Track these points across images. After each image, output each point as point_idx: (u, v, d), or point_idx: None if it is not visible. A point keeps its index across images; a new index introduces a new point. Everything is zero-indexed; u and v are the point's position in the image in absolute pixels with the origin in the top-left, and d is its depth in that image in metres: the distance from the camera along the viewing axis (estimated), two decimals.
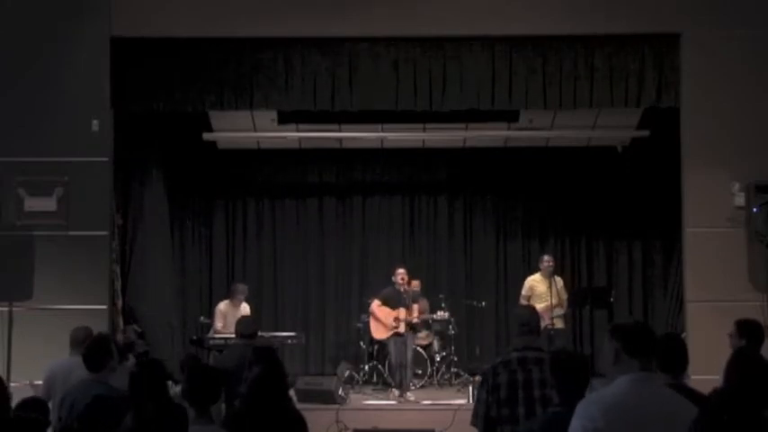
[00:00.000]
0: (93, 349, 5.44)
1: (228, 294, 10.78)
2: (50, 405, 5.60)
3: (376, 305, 10.42)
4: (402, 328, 10.11)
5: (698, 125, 8.68)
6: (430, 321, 11.09)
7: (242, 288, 10.61)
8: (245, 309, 10.36)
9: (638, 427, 3.14)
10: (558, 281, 10.50)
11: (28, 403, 4.89)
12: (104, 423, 4.51)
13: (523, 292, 10.43)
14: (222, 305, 10.55)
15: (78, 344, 6.18)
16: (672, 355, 4.45)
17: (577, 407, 3.29)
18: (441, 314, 10.92)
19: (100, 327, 8.07)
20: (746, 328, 5.69)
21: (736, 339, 5.67)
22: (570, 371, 3.97)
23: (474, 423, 4.62)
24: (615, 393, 3.24)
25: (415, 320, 10.45)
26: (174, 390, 6.00)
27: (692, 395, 4.37)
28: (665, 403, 3.23)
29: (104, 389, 5.06)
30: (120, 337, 8.39)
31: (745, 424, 3.03)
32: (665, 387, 3.36)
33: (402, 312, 10.12)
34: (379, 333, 10.41)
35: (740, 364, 4.64)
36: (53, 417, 5.21)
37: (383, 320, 10.28)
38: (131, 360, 7.19)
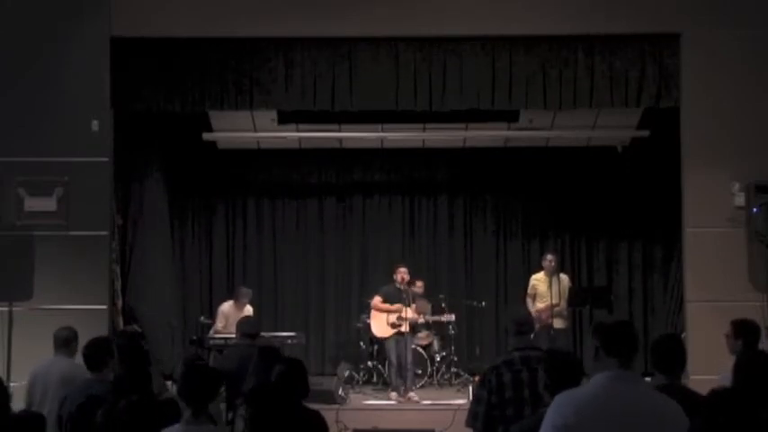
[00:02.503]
0: (94, 349, 5.45)
1: (232, 296, 10.77)
2: (34, 409, 5.60)
3: (378, 301, 10.38)
4: (405, 328, 10.10)
5: (698, 125, 8.68)
6: (429, 322, 11.08)
7: (246, 291, 10.60)
8: (248, 311, 10.35)
9: (610, 424, 3.12)
10: (564, 279, 10.49)
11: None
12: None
13: (528, 290, 10.46)
14: (226, 306, 10.54)
15: (60, 344, 6.17)
16: (669, 356, 4.44)
17: (551, 404, 3.28)
18: (447, 316, 10.89)
19: (100, 327, 8.10)
20: (743, 328, 5.69)
21: (732, 339, 5.67)
22: (563, 370, 3.96)
23: (470, 424, 4.57)
24: (590, 391, 3.22)
25: (421, 320, 10.43)
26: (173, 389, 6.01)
27: (687, 396, 4.37)
28: (641, 400, 3.20)
29: (104, 388, 5.06)
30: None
31: (742, 425, 3.02)
32: (642, 385, 3.32)
33: (407, 311, 10.09)
34: (380, 331, 10.34)
35: (743, 366, 4.64)
36: (51, 418, 5.20)
37: (386, 318, 10.24)
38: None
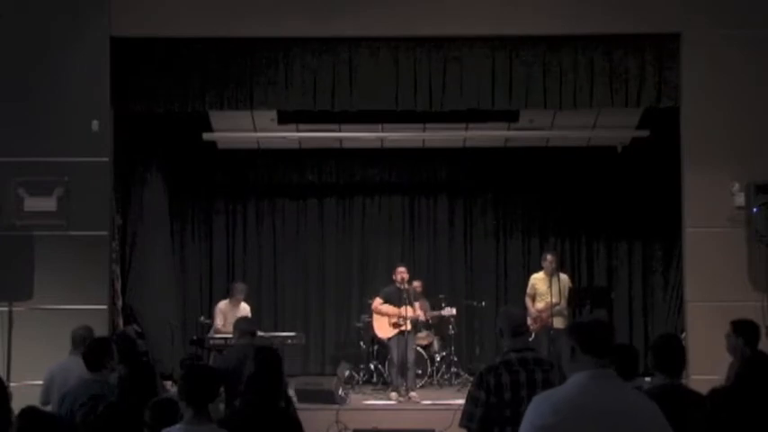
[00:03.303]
0: (93, 349, 5.46)
1: (228, 294, 10.79)
2: (50, 408, 5.62)
3: (378, 303, 10.40)
4: (407, 327, 10.10)
5: (698, 125, 8.68)
6: (429, 321, 11.09)
7: (241, 287, 10.63)
8: (244, 308, 10.39)
9: (590, 424, 3.10)
10: (564, 278, 10.48)
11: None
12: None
13: (528, 289, 10.46)
14: (222, 304, 10.58)
15: (78, 343, 6.20)
16: (669, 356, 4.44)
17: (530, 404, 3.27)
18: (448, 310, 10.88)
19: (100, 327, 8.09)
20: (742, 328, 5.69)
21: (732, 339, 5.67)
22: None
23: (464, 424, 4.54)
24: (569, 390, 3.20)
25: (421, 318, 10.42)
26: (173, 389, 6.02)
27: (687, 396, 4.38)
28: (620, 399, 3.18)
29: (103, 388, 5.08)
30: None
31: (744, 422, 3.03)
32: (619, 382, 3.31)
33: (407, 310, 10.09)
34: (383, 331, 10.36)
35: (748, 366, 4.63)
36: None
37: (388, 318, 10.25)
38: None
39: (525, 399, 4.41)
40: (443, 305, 11.01)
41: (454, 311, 10.91)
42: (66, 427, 4.56)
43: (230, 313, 10.19)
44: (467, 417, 4.52)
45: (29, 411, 4.31)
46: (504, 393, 4.45)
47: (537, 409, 3.18)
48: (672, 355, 4.45)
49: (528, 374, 4.46)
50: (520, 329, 4.70)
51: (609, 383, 3.21)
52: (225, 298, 10.90)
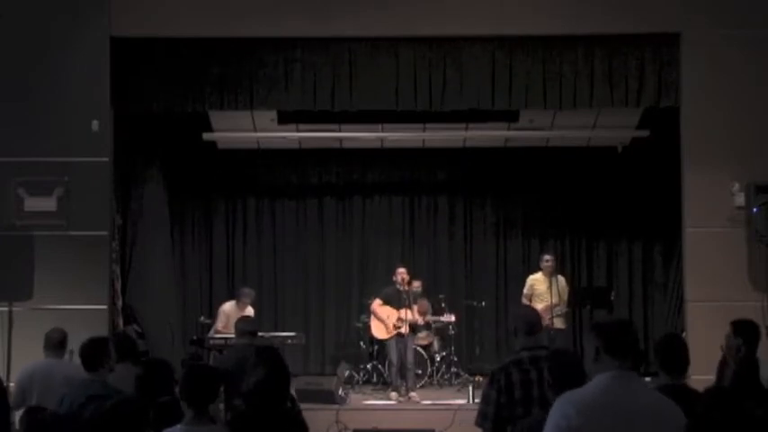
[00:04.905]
0: (91, 349, 5.45)
1: (234, 297, 10.77)
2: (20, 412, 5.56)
3: (377, 304, 10.39)
4: (405, 329, 10.09)
5: (698, 125, 8.68)
6: (431, 323, 11.08)
7: (248, 292, 10.60)
8: (249, 312, 10.33)
9: (615, 425, 3.11)
10: (561, 280, 10.48)
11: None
12: None
13: (525, 290, 10.44)
14: (227, 306, 10.53)
15: (55, 345, 6.17)
16: (672, 356, 4.44)
17: (553, 405, 3.27)
18: (447, 317, 10.89)
19: (100, 327, 8.10)
20: (742, 328, 5.69)
21: (732, 339, 5.67)
22: (567, 370, 3.95)
23: (480, 423, 4.57)
24: (592, 391, 3.21)
25: (420, 322, 10.41)
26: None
27: (691, 396, 4.37)
28: (643, 401, 3.20)
29: (101, 388, 5.07)
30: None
31: (738, 422, 3.04)
32: (644, 384, 3.32)
33: (406, 313, 10.09)
34: (380, 333, 10.36)
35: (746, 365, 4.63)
36: None
37: (385, 320, 10.25)
38: None
39: (536, 397, 4.43)
40: (443, 305, 11.01)
41: (453, 318, 10.91)
42: (70, 428, 4.56)
43: (234, 316, 10.11)
44: (481, 416, 4.56)
45: (34, 410, 4.32)
46: (515, 392, 4.47)
47: (561, 409, 3.19)
48: (675, 354, 4.45)
49: (539, 373, 4.47)
50: (535, 328, 4.73)
51: (631, 384, 3.22)
52: (225, 298, 10.89)
